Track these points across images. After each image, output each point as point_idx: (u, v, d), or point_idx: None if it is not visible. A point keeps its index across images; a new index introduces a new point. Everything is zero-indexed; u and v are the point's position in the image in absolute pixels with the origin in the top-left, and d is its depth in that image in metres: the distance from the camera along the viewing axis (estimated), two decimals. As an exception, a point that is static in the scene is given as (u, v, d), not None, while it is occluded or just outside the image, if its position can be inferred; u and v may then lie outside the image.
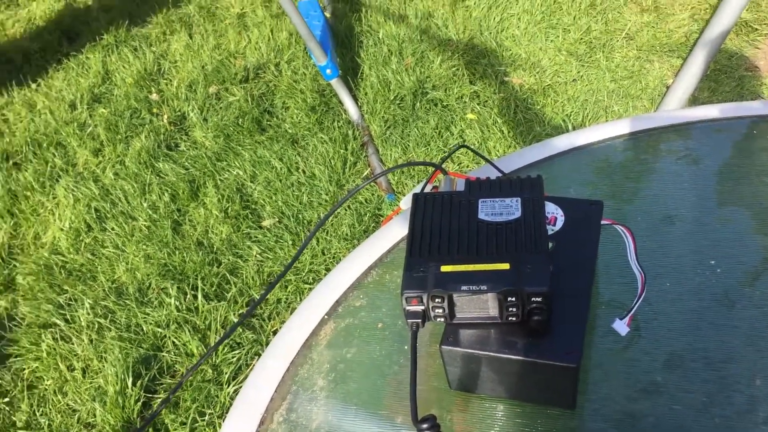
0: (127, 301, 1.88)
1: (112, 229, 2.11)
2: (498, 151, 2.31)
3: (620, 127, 0.96)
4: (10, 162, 2.38)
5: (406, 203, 0.98)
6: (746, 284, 0.73)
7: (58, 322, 1.84)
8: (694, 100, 2.40)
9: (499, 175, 0.94)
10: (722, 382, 0.65)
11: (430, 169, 2.26)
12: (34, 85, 2.75)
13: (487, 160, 0.93)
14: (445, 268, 0.66)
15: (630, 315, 0.70)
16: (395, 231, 0.90)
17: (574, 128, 2.35)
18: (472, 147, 2.07)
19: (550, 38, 2.77)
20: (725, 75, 2.53)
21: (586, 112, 2.41)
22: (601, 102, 2.45)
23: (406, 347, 0.74)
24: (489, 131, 2.37)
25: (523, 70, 2.64)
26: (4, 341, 1.82)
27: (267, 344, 1.71)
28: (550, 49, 2.72)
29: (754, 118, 0.93)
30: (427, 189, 0.93)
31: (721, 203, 0.82)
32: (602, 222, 0.76)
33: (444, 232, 0.70)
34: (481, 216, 0.71)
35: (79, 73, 2.79)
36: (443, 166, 0.95)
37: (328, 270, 1.97)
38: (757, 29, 2.72)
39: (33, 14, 3.24)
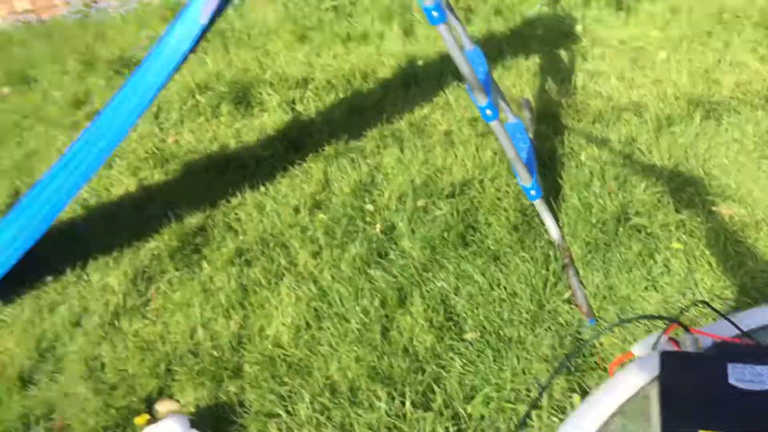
0: (340, 400, 2.02)
1: (328, 328, 2.30)
2: (706, 283, 2.27)
3: None
4: (243, 258, 2.67)
5: (639, 351, 1.04)
6: None
7: (280, 412, 2.02)
8: None
9: (738, 333, 0.97)
10: None
11: (638, 299, 2.25)
12: (263, 189, 3.09)
13: (726, 318, 0.96)
14: (703, 433, 0.71)
15: None
16: (632, 381, 0.95)
17: (791, 267, 2.26)
18: (710, 303, 2.05)
19: (763, 169, 2.71)
20: None
21: (805, 251, 2.32)
22: (821, 241, 2.34)
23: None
24: (696, 263, 2.34)
25: (733, 201, 2.60)
26: (236, 426, 2.02)
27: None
28: (763, 179, 2.66)
29: None
30: (662, 341, 0.98)
31: None
32: None
33: (696, 394, 0.75)
34: (732, 381, 0.75)
35: (303, 180, 3.10)
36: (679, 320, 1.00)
37: (528, 390, 2.01)
38: None
39: (264, 124, 3.66)
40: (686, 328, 0.96)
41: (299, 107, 3.79)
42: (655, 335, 0.99)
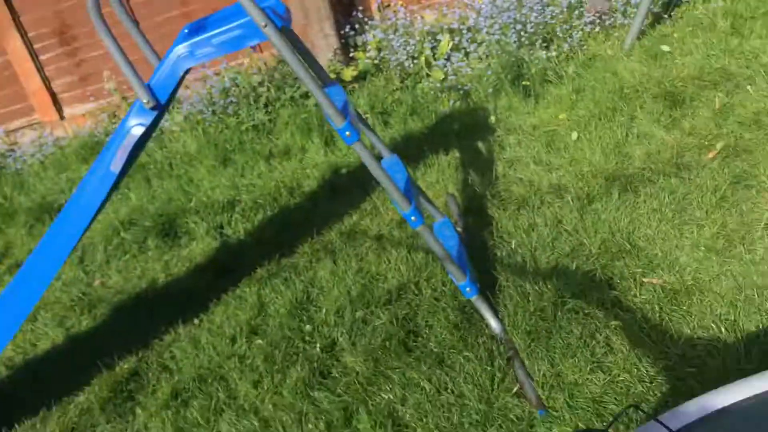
0: None
1: (274, 463, 2.19)
2: (649, 357, 2.26)
3: (790, 372, 0.95)
4: (179, 399, 2.56)
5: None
6: None
7: None
8: None
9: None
10: None
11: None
12: (197, 321, 3.01)
13: (657, 421, 0.94)
14: None
15: None
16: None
17: (726, 330, 2.28)
18: (640, 406, 2.02)
19: (685, 235, 2.77)
20: None
21: (737, 311, 2.34)
22: (752, 299, 2.37)
23: None
24: (636, 337, 2.34)
25: (662, 269, 2.63)
26: None
27: None
28: (687, 246, 2.71)
29: None
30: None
31: None
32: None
33: None
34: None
35: (237, 306, 3.03)
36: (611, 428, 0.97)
37: (488, 500, 1.93)
38: None
39: (193, 253, 3.61)
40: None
41: (228, 231, 3.76)
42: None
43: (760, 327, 2.26)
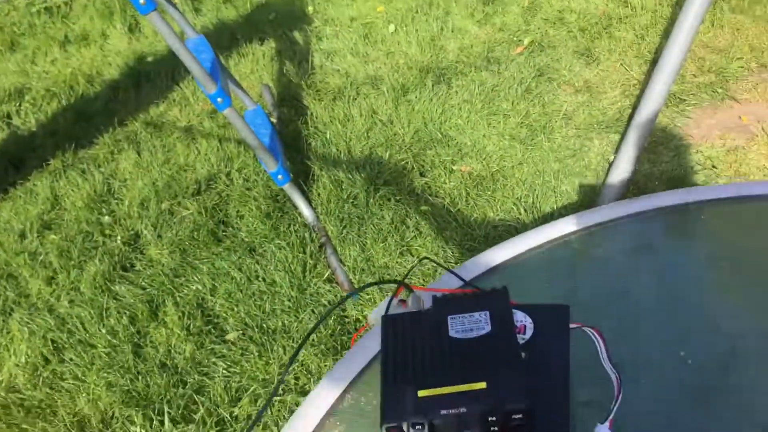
0: (90, 436, 1.81)
1: (71, 359, 2.04)
2: (455, 239, 2.34)
3: (573, 223, 0.98)
4: (-40, 299, 2.31)
5: (373, 319, 0.98)
6: (718, 373, 0.74)
7: (18, 467, 1.76)
8: (636, 173, 2.48)
9: (462, 284, 0.95)
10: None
11: (394, 264, 2.27)
12: (-20, 217, 2.71)
13: (449, 270, 0.93)
14: (422, 393, 0.65)
15: (610, 418, 0.70)
16: (365, 351, 0.89)
17: (525, 211, 2.40)
18: (433, 258, 2.09)
19: (492, 124, 2.86)
20: (662, 146, 2.64)
21: (535, 193, 2.47)
22: (548, 183, 2.51)
23: (390, 475, 0.73)
24: (444, 221, 2.40)
25: (470, 157, 2.71)
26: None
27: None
28: (494, 135, 2.80)
29: (700, 204, 0.96)
30: (394, 303, 0.93)
31: (683, 291, 0.84)
32: (571, 325, 0.76)
33: (417, 354, 0.70)
34: (452, 334, 0.71)
35: (27, 200, 2.75)
36: (408, 278, 0.96)
37: (297, 379, 1.93)
38: (685, 100, 2.86)
39: (-24, 145, 3.22)
40: (410, 289, 0.91)
41: (16, 121, 3.38)
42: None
43: (555, 207, 2.41)
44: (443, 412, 0.64)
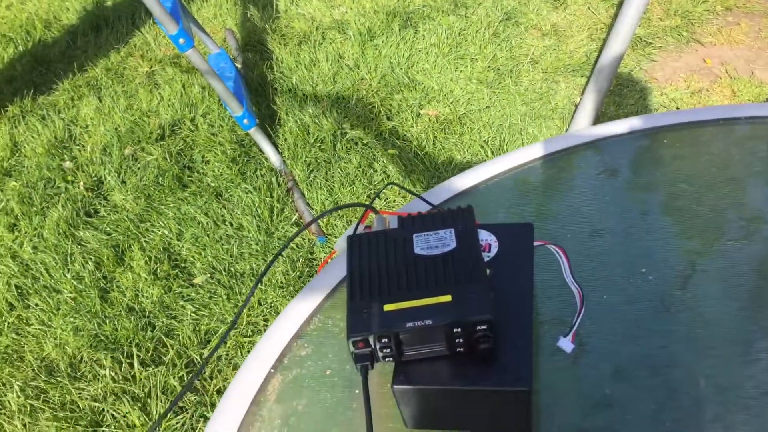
0: (59, 378, 1.80)
1: (36, 305, 2.02)
2: (422, 182, 2.34)
3: (538, 150, 0.99)
4: None
5: (340, 246, 0.98)
6: (677, 288, 0.75)
7: (-14, 410, 1.75)
8: (602, 115, 2.50)
9: (430, 208, 0.95)
10: (668, 387, 0.66)
11: (360, 210, 2.26)
12: (-63, 165, 2.64)
13: (415, 194, 0.94)
14: (388, 307, 0.66)
15: (573, 331, 0.72)
16: (332, 275, 0.90)
17: (493, 153, 2.41)
18: (399, 183, 2.10)
19: (460, 69, 2.85)
20: (628, 89, 2.65)
21: (502, 136, 2.47)
22: (515, 125, 2.52)
23: (357, 391, 0.74)
24: (411, 164, 2.40)
25: (437, 101, 2.70)
26: (-72, 439, 1.72)
27: (212, 405, 1.67)
28: (461, 79, 2.79)
29: (663, 129, 0.97)
30: (360, 230, 0.94)
31: (643, 212, 0.85)
32: (535, 243, 0.77)
33: (382, 271, 0.70)
34: (418, 251, 0.72)
35: (-14, 147, 2.69)
36: (373, 205, 0.96)
37: (266, 320, 1.94)
38: (651, 43, 2.87)
39: (-71, 91, 3.12)
40: (375, 211, 0.91)
41: (-29, 67, 3.28)
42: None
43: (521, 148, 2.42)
44: (409, 324, 0.64)
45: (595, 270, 0.79)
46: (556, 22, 3.05)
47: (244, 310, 1.96)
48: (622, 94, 2.63)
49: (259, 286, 2.02)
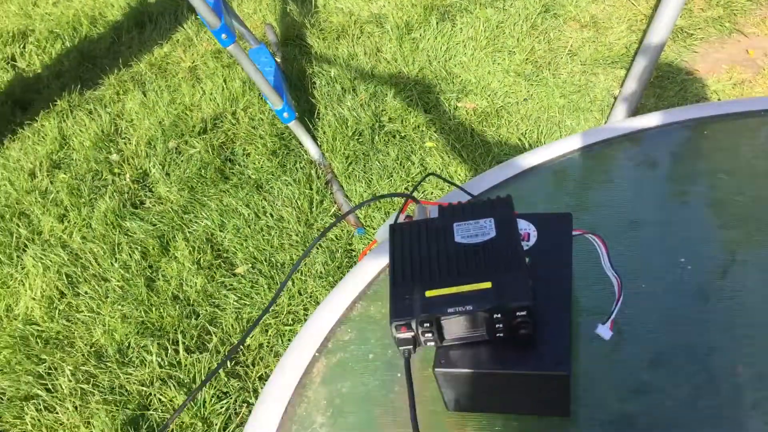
0: (108, 364, 1.86)
1: (86, 292, 2.09)
2: (460, 174, 2.36)
3: (577, 141, 1.00)
4: (-26, 237, 2.35)
5: (381, 236, 1.01)
6: (717, 278, 0.76)
7: (39, 392, 1.81)
8: (641, 108, 2.48)
9: (469, 198, 0.97)
10: (707, 374, 0.68)
11: (399, 201, 2.29)
12: (-10, 158, 2.74)
13: (455, 185, 0.95)
14: (429, 293, 0.68)
15: (611, 319, 0.73)
16: (374, 264, 0.92)
17: (530, 146, 2.41)
18: (439, 174, 2.11)
19: (497, 61, 2.85)
20: (668, 80, 2.63)
21: (540, 128, 2.47)
22: (553, 118, 2.52)
23: (399, 375, 0.76)
24: (449, 157, 2.42)
25: (475, 94, 2.71)
26: (-15, 419, 1.79)
27: (254, 390, 1.71)
28: (498, 72, 2.79)
29: (703, 120, 0.97)
30: (401, 219, 0.96)
31: (683, 203, 0.86)
32: (573, 233, 0.79)
33: (424, 258, 0.72)
34: (458, 239, 0.74)
35: (35, 141, 2.77)
36: (413, 195, 0.98)
37: (306, 310, 1.98)
38: (692, 34, 2.83)
39: (-19, 87, 3.23)
40: (417, 201, 0.94)
41: (21, 63, 3.38)
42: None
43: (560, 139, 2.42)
44: (450, 309, 0.66)
45: (634, 259, 0.80)
46: (595, 14, 3.03)
47: (284, 298, 2.00)
48: (662, 86, 2.61)
49: (299, 276, 2.06)
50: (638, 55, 2.48)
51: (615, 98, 2.55)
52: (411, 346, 0.67)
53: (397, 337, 0.67)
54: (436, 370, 0.67)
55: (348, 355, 0.80)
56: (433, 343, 0.67)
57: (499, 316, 0.65)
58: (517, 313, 0.65)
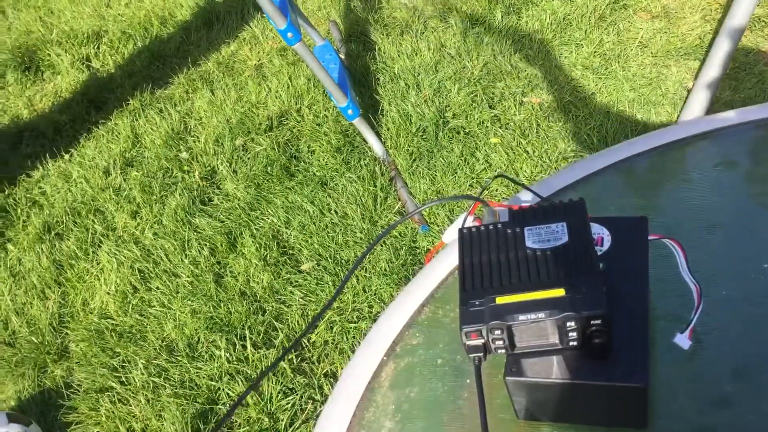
0: (178, 358, 1.91)
1: (157, 288, 2.15)
2: (526, 171, 2.32)
3: (651, 141, 0.97)
4: (53, 233, 2.44)
5: (448, 237, 1.00)
6: (802, 285, 0.73)
7: (113, 385, 1.88)
8: (716, 100, 2.39)
9: (539, 200, 0.96)
10: (791, 387, 0.65)
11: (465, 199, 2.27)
12: (67, 156, 2.83)
13: (525, 187, 0.94)
14: (500, 300, 0.67)
15: (690, 328, 0.70)
16: (442, 266, 0.92)
17: (598, 141, 2.36)
18: (508, 175, 2.09)
19: (564, 55, 2.79)
20: (745, 72, 2.52)
21: (609, 123, 2.41)
22: (623, 112, 2.45)
23: (468, 381, 0.75)
24: (514, 153, 2.39)
25: (541, 89, 2.66)
26: (64, 409, 1.86)
27: (319, 387, 1.73)
28: (565, 65, 2.74)
29: (786, 118, 0.93)
30: (469, 221, 0.95)
31: (765, 205, 0.83)
32: (649, 237, 0.76)
33: (494, 263, 0.71)
34: (529, 244, 0.72)
35: (110, 139, 2.86)
36: (481, 197, 0.97)
37: (371, 307, 1.98)
38: (771, 23, 2.72)
39: (59, 87, 3.34)
40: (485, 203, 0.92)
41: (95, 64, 3.49)
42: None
43: (629, 137, 2.35)
44: (522, 317, 0.65)
45: (714, 265, 0.77)
46: (666, 4, 2.93)
47: (348, 295, 2.01)
48: (738, 78, 2.51)
49: (363, 273, 2.07)
50: (713, 46, 2.39)
51: (688, 91, 2.47)
52: (481, 354, 0.66)
53: (467, 344, 0.66)
54: (507, 378, 0.66)
55: (416, 359, 0.80)
56: (503, 351, 0.66)
57: (572, 324, 0.64)
58: (592, 322, 0.64)
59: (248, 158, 2.60)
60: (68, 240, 2.40)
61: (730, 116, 0.97)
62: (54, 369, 1.97)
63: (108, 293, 2.16)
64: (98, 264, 2.28)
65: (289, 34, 2.23)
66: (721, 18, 2.74)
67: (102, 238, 2.39)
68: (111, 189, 2.58)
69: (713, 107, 2.38)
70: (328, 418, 0.77)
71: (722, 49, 2.30)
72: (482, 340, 0.66)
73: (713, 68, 2.32)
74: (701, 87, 2.35)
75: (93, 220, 2.46)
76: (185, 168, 2.62)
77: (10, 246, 2.43)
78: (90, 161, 2.76)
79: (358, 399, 0.78)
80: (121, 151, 2.77)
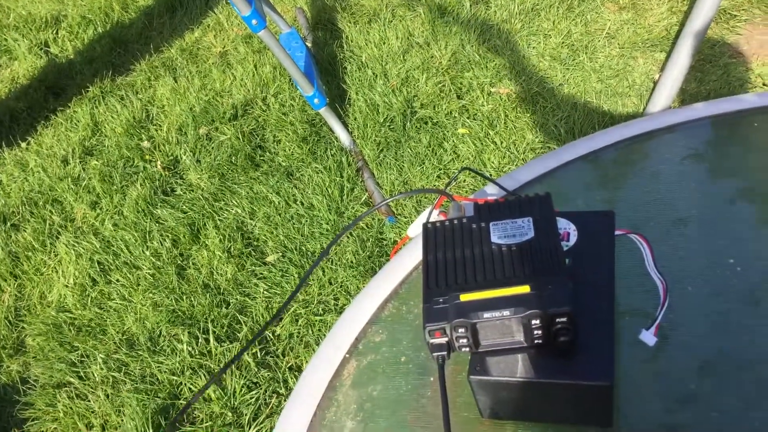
0: (139, 352, 1.87)
1: (117, 280, 2.10)
2: (494, 162, 2.31)
3: (618, 134, 0.96)
4: (8, 224, 2.37)
5: (413, 231, 0.98)
6: (768, 281, 0.72)
7: (72, 380, 1.83)
8: (682, 92, 2.41)
9: (505, 194, 0.94)
10: (758, 384, 0.64)
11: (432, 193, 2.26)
12: (24, 144, 2.75)
13: (491, 180, 0.92)
14: (464, 297, 0.65)
15: (656, 324, 0.69)
16: (406, 261, 0.90)
17: (566, 132, 2.36)
18: (474, 168, 2.07)
19: (532, 45, 2.78)
20: (710, 64, 2.54)
21: (576, 115, 2.41)
22: (590, 103, 2.45)
23: (432, 379, 0.74)
24: (482, 144, 2.37)
25: (509, 79, 2.65)
26: (20, 405, 1.81)
27: (284, 381, 1.70)
28: (533, 56, 2.73)
29: (752, 111, 0.93)
30: (434, 215, 0.93)
31: (732, 200, 0.82)
32: (616, 232, 0.75)
33: (459, 260, 0.69)
34: (495, 239, 0.70)
35: (68, 127, 2.79)
36: (446, 190, 0.95)
37: (336, 300, 1.96)
38: (736, 15, 2.74)
39: (15, 73, 3.25)
40: (451, 197, 0.91)
41: (54, 49, 3.40)
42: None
43: (596, 128, 2.36)
44: (486, 315, 0.64)
45: (680, 260, 0.76)
46: (633, -5, 2.94)
47: (314, 288, 1.98)
48: (704, 69, 2.53)
49: (329, 265, 2.04)
50: (680, 38, 2.39)
51: (655, 83, 2.48)
52: (445, 352, 0.64)
53: (431, 343, 0.64)
54: (471, 377, 0.64)
55: (379, 357, 0.78)
56: (467, 349, 0.65)
57: (537, 322, 0.62)
58: (557, 320, 0.62)
59: (212, 148, 2.55)
60: (24, 231, 2.33)
61: (697, 109, 0.96)
62: (10, 364, 1.91)
63: (66, 286, 2.10)
64: (56, 256, 2.22)
65: (254, 21, 2.19)
66: (687, 10, 2.76)
67: (60, 230, 2.32)
68: (69, 179, 2.52)
69: (679, 99, 2.40)
70: (289, 419, 0.75)
71: (688, 41, 2.30)
72: (446, 339, 0.64)
73: (679, 60, 2.33)
74: (667, 79, 2.36)
75: (51, 211, 2.40)
76: (147, 157, 2.56)
77: (-36, 237, 2.35)
78: (48, 150, 2.69)
79: (319, 399, 0.76)
80: (80, 140, 2.70)
